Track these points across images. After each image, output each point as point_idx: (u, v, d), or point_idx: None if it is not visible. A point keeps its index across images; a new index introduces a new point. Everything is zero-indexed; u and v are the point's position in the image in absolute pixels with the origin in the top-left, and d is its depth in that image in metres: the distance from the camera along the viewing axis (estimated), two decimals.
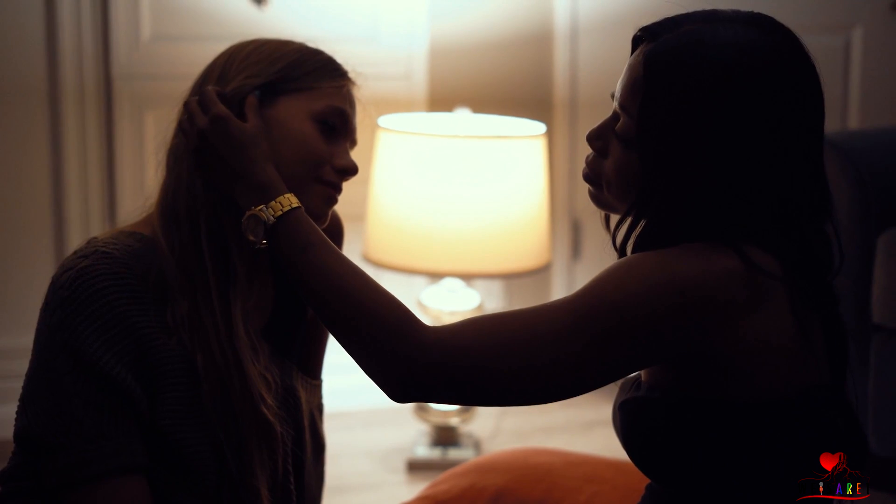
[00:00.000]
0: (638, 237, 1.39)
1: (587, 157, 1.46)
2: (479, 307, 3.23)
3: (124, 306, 1.46)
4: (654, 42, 1.38)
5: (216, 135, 1.48)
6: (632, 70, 1.39)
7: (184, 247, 1.51)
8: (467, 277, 3.13)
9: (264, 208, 1.44)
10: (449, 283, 3.23)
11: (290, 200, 1.45)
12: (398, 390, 1.34)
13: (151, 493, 1.49)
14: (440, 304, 3.21)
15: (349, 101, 1.58)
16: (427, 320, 3.55)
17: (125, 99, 3.27)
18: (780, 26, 1.38)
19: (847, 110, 3.97)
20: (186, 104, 1.51)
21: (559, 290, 3.85)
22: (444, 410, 3.23)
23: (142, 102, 3.29)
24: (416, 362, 1.32)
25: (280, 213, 1.44)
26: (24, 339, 2.93)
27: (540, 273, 3.29)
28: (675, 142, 1.34)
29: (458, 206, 2.94)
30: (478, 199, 2.95)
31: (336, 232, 1.68)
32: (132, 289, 1.48)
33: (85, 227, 3.28)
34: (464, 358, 1.31)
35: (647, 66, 1.36)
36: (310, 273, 1.40)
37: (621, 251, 1.42)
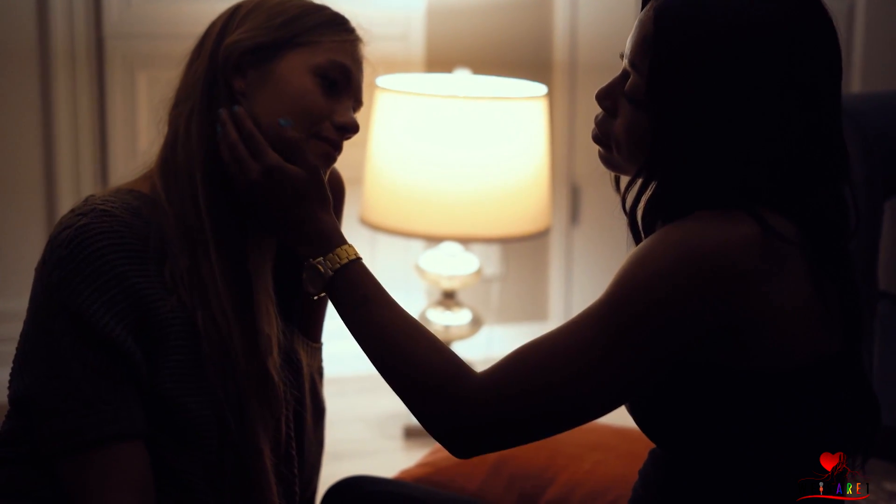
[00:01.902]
0: (648, 200, 1.36)
1: (596, 116, 1.42)
2: (478, 272, 3.20)
3: (124, 266, 1.43)
4: None
5: (270, 187, 1.45)
6: (642, 26, 1.35)
7: (182, 200, 1.48)
8: (465, 241, 3.10)
9: (322, 261, 1.43)
10: (447, 246, 3.19)
11: (349, 252, 1.43)
12: (460, 450, 1.35)
13: (151, 458, 1.46)
14: (438, 268, 3.17)
15: (353, 58, 1.53)
16: (424, 285, 3.53)
17: (117, 58, 3.23)
18: None
19: (850, 74, 3.93)
20: (233, 148, 1.45)
21: (557, 255, 3.82)
22: None
23: (134, 62, 3.24)
24: (469, 427, 1.32)
25: (338, 265, 1.42)
26: (15, 302, 2.93)
27: (539, 238, 3.26)
28: (687, 100, 1.30)
29: (457, 169, 2.90)
30: (477, 161, 2.91)
31: (337, 193, 1.64)
32: (132, 247, 1.44)
33: (76, 188, 3.24)
34: (512, 407, 1.31)
35: (657, 21, 1.32)
36: (366, 328, 1.40)
37: (631, 215, 1.39)
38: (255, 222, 1.49)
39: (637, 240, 1.40)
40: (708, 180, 1.31)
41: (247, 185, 1.45)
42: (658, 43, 1.32)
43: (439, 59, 3.52)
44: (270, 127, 1.47)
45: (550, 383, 1.29)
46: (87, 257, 1.41)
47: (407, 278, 3.53)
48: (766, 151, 1.30)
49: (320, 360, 1.70)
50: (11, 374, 1.48)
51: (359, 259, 1.44)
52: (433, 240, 3.12)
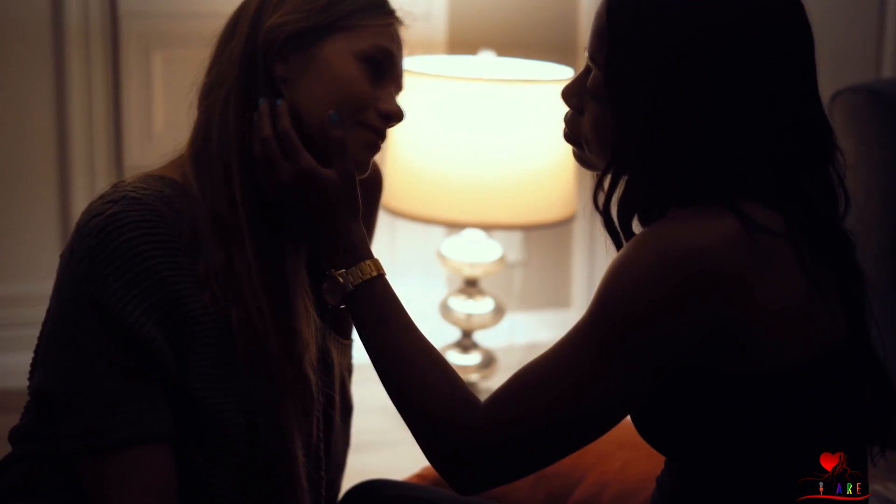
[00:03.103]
0: (622, 198, 1.32)
1: (565, 115, 1.41)
2: (501, 259, 3.14)
3: (156, 258, 1.37)
4: None
5: (300, 190, 1.40)
6: (598, 18, 1.34)
7: (216, 192, 1.42)
8: (488, 228, 3.03)
9: (345, 273, 1.40)
10: (469, 233, 3.13)
11: (372, 268, 1.40)
12: (463, 483, 1.32)
13: (176, 461, 1.41)
14: (461, 255, 3.11)
15: (396, 42, 1.49)
16: (445, 272, 3.47)
17: (132, 38, 3.17)
18: None
19: (882, 57, 3.83)
20: (266, 144, 1.40)
21: (581, 241, 3.75)
22: (462, 365, 3.15)
23: (149, 41, 3.18)
24: (470, 459, 1.30)
25: (360, 280, 1.39)
26: (25, 286, 2.90)
27: (563, 225, 3.19)
28: (646, 92, 1.28)
29: (481, 154, 2.84)
30: (501, 146, 2.84)
31: (375, 187, 1.59)
32: (164, 238, 1.39)
33: (90, 171, 3.20)
34: (512, 433, 1.28)
35: (609, 12, 1.31)
36: (379, 348, 1.38)
37: (604, 213, 1.35)
38: (286, 220, 1.44)
39: (613, 237, 1.36)
40: (677, 174, 1.28)
41: (276, 185, 1.41)
42: (611, 33, 1.30)
43: (462, 41, 3.45)
44: (313, 116, 1.42)
45: (547, 404, 1.26)
46: (117, 248, 1.36)
47: (428, 265, 3.47)
48: (736, 140, 1.26)
49: (350, 358, 1.66)
50: (32, 365, 1.44)
51: (382, 275, 1.40)
52: (454, 226, 3.07)
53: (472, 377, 3.16)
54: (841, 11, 3.73)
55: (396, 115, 1.48)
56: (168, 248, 1.39)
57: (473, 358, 3.17)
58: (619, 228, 1.35)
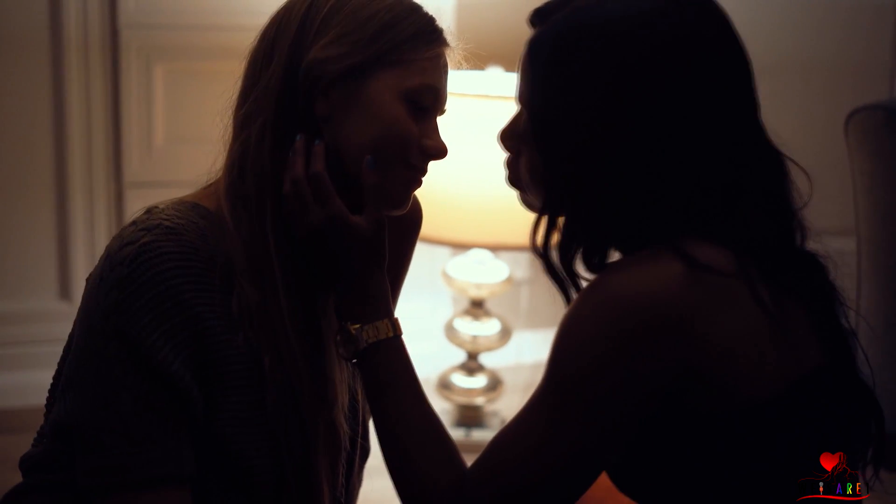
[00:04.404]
0: (559, 241, 1.30)
1: (506, 159, 1.39)
2: (509, 279, 3.08)
3: (189, 293, 1.31)
4: (542, 26, 1.31)
5: (330, 236, 1.35)
6: (521, 60, 1.33)
7: (250, 228, 1.36)
8: (494, 249, 2.97)
9: (360, 328, 1.36)
10: (476, 253, 3.07)
11: (388, 328, 1.37)
12: None
13: (194, 502, 1.34)
14: (467, 275, 3.06)
15: (444, 71, 1.42)
16: (451, 292, 3.40)
17: (132, 50, 3.13)
18: None
19: None
20: (297, 183, 1.34)
21: None
22: (469, 388, 3.10)
23: (150, 54, 3.14)
24: None
25: (374, 339, 1.36)
26: (22, 304, 2.83)
27: None
28: (571, 134, 1.26)
29: (487, 172, 2.78)
30: None
31: (415, 222, 1.52)
32: (198, 272, 1.33)
33: (88, 186, 3.16)
34: (490, 500, 1.26)
35: (530, 54, 1.30)
36: (382, 411, 1.35)
37: (544, 257, 1.33)
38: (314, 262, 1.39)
39: (557, 282, 1.33)
40: (610, 216, 1.26)
41: (304, 226, 1.35)
42: (533, 75, 1.29)
43: (469, 56, 3.39)
44: (353, 156, 1.36)
45: (516, 465, 1.25)
46: (149, 280, 1.30)
47: (433, 285, 3.41)
48: (669, 178, 1.24)
49: None
50: (51, 393, 1.40)
51: (398, 336, 1.36)
52: (459, 247, 3.01)
53: (478, 400, 3.10)
54: (856, 31, 3.67)
55: (440, 153, 1.42)
56: (202, 283, 1.33)
57: (479, 381, 3.11)
58: (561, 272, 1.32)
